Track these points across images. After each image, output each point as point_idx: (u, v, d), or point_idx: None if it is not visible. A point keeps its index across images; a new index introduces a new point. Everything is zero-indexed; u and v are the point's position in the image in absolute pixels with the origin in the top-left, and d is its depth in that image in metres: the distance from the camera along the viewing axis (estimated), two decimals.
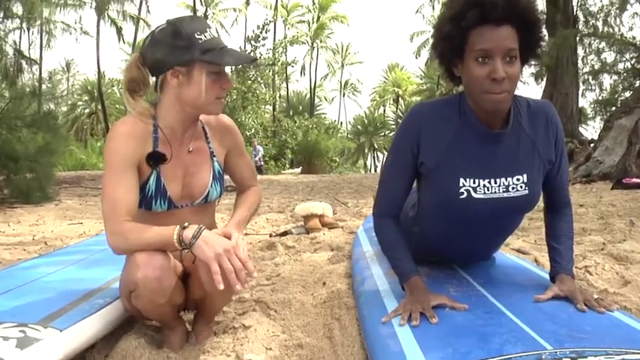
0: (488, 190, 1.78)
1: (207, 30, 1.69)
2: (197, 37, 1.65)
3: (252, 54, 27.74)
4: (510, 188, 1.79)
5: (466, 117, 1.77)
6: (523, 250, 3.15)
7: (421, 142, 1.80)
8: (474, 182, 1.78)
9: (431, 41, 1.81)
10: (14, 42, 13.44)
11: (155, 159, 1.72)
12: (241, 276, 1.57)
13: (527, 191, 1.79)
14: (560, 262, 1.84)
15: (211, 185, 1.84)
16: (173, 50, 1.65)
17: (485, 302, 1.75)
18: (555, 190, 1.91)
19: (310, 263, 3.00)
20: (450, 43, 1.67)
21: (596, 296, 1.73)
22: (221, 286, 1.54)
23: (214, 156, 1.87)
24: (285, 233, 4.25)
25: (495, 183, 1.78)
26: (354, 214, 5.60)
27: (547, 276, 2.06)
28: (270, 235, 4.28)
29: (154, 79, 1.75)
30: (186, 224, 1.61)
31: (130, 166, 1.68)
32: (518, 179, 1.79)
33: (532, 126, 1.80)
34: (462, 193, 1.78)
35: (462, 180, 1.78)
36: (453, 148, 1.78)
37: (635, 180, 8.61)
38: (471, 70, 1.64)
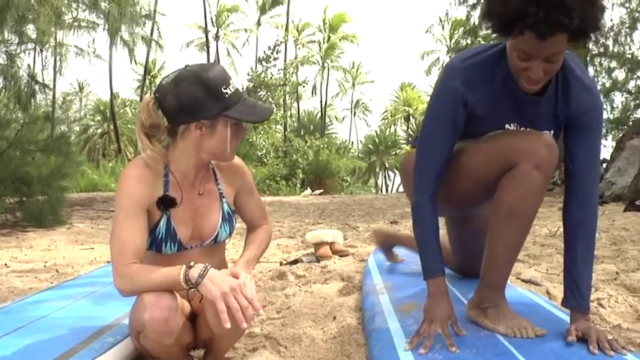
0: None
1: (231, 82, 1.71)
2: (224, 91, 1.68)
3: (263, 74, 27.98)
4: None
5: (507, 77, 1.79)
6: (535, 280, 3.12)
7: (468, 99, 1.80)
8: (515, 128, 1.88)
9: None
10: (28, 66, 13.56)
11: (165, 203, 1.74)
12: (248, 314, 1.56)
13: None
14: (575, 297, 1.82)
15: (220, 226, 1.86)
16: (201, 104, 1.67)
17: (496, 343, 1.74)
18: (577, 173, 1.84)
19: (321, 295, 2.99)
20: (497, 22, 1.65)
21: (610, 337, 1.71)
22: (228, 325, 1.53)
23: (223, 197, 1.89)
24: (295, 261, 4.25)
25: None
26: (365, 240, 5.58)
27: (559, 313, 2.05)
28: (281, 264, 4.28)
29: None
30: (192, 263, 1.60)
31: (140, 209, 1.69)
32: (545, 133, 1.85)
33: (566, 103, 1.83)
34: None
35: (507, 125, 1.88)
36: (498, 102, 1.83)
37: None
38: (511, 56, 1.68)
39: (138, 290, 1.62)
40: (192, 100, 1.67)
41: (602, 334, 1.72)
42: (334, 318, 2.53)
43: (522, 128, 1.88)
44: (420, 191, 1.89)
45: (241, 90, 1.77)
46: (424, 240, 1.90)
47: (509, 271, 1.94)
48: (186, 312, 1.82)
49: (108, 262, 4.34)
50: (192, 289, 1.59)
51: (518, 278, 3.21)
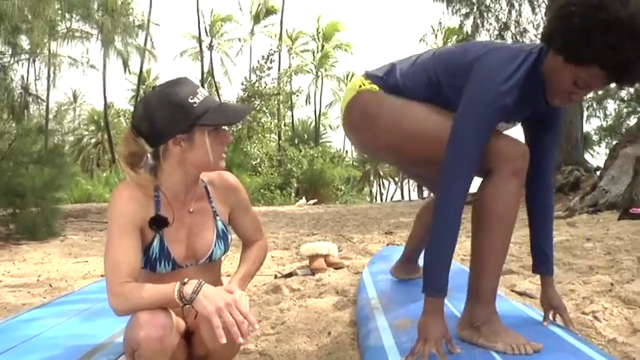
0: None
1: (198, 91, 1.70)
2: (191, 101, 1.66)
3: (257, 84, 27.97)
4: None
5: (527, 92, 1.83)
6: (529, 293, 3.11)
7: (507, 110, 1.80)
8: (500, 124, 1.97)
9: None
10: (22, 77, 13.55)
11: (157, 223, 1.73)
12: (243, 329, 1.55)
13: None
14: (545, 264, 2.14)
15: (215, 245, 1.85)
16: (171, 121, 1.66)
17: None
18: (545, 159, 2.06)
19: (315, 310, 2.98)
20: (579, 55, 1.64)
21: None
22: (223, 340, 1.52)
23: (217, 215, 1.88)
24: (290, 274, 4.23)
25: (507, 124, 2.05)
26: (360, 251, 5.57)
27: (554, 327, 2.04)
28: (276, 277, 4.27)
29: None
30: (185, 280, 1.60)
31: (133, 228, 1.68)
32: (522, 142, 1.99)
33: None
34: None
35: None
36: (512, 109, 1.84)
37: None
38: (563, 78, 1.73)
39: (132, 309, 1.60)
40: (162, 118, 1.66)
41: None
42: (329, 333, 2.52)
43: (504, 124, 2.01)
44: (457, 182, 1.78)
45: (214, 96, 1.75)
46: (441, 253, 1.79)
47: (497, 281, 1.92)
48: (181, 330, 1.80)
49: (102, 276, 4.32)
50: (187, 306, 1.59)
51: (512, 290, 3.20)
